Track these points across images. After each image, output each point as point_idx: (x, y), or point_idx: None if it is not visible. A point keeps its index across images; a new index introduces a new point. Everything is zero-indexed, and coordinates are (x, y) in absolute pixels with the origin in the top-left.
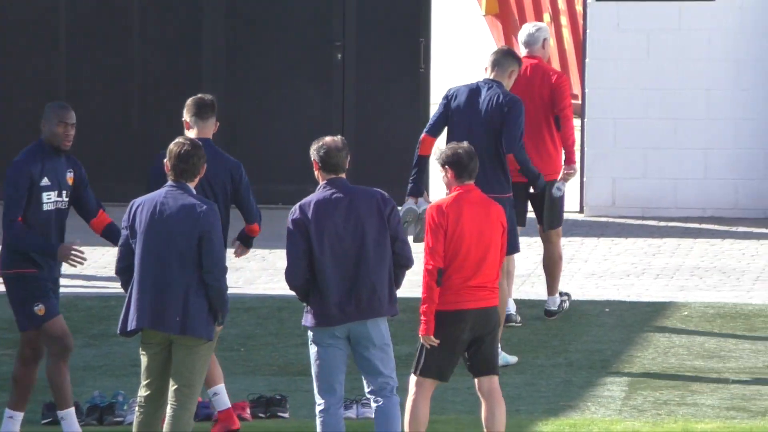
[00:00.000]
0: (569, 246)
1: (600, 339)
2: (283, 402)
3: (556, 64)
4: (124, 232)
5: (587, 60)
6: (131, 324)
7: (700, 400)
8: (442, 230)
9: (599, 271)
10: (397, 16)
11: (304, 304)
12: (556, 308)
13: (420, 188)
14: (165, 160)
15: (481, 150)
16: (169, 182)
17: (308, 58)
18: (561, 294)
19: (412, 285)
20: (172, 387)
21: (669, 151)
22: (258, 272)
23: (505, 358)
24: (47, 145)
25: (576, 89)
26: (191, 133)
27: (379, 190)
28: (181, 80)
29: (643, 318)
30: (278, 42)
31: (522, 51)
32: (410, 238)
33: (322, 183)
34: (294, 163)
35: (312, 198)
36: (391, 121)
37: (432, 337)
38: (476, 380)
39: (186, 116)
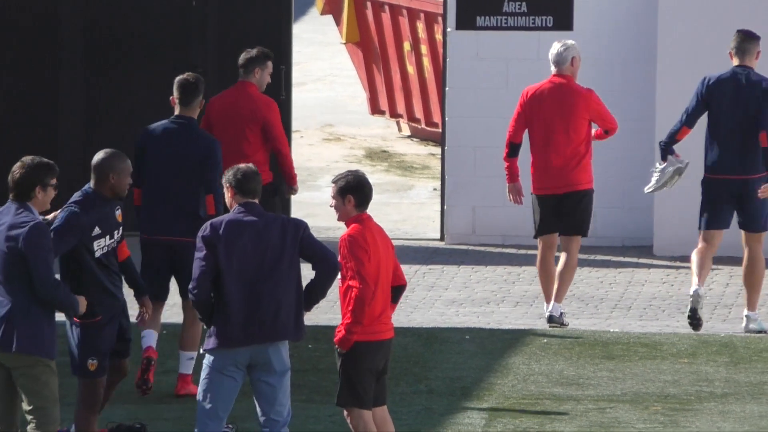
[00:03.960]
0: (430, 274)
1: (460, 366)
2: (142, 431)
3: (416, 93)
4: None
5: (447, 88)
6: None
7: (559, 427)
8: (367, 254)
9: (459, 298)
10: (257, 42)
11: (206, 328)
12: (558, 315)
13: (672, 149)
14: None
15: (742, 132)
16: (9, 199)
17: (168, 82)
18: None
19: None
20: (25, 411)
21: (527, 179)
22: None
23: (761, 324)
24: (101, 195)
25: (436, 118)
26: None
27: (293, 217)
28: (37, 104)
29: (503, 345)
30: (138, 67)
31: (552, 69)
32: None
33: (235, 206)
34: None
35: (224, 218)
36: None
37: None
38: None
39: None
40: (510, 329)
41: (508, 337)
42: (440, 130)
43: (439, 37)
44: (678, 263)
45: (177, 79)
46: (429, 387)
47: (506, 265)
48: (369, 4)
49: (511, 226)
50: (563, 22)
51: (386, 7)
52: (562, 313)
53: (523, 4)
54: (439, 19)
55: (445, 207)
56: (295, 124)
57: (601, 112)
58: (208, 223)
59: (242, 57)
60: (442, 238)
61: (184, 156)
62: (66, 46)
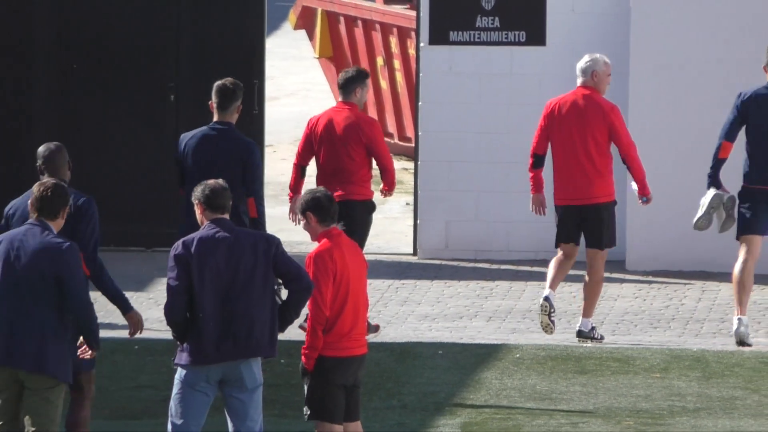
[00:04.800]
0: (402, 288)
1: (433, 381)
2: None
3: (389, 107)
4: None
5: (420, 103)
6: None
7: None
8: (332, 276)
9: (432, 313)
10: (230, 57)
11: (178, 343)
12: (587, 330)
13: (720, 181)
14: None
15: None
16: (31, 220)
17: (141, 98)
18: (594, 328)
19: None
20: None
21: (501, 194)
22: None
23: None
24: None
25: (409, 132)
26: (214, 116)
27: (265, 233)
28: (10, 122)
29: (476, 360)
30: (111, 83)
31: (577, 82)
32: (715, 226)
33: (206, 223)
34: (126, 205)
35: (196, 235)
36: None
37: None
38: (342, 426)
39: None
40: (483, 344)
41: (481, 352)
42: (413, 145)
43: (412, 51)
44: (650, 278)
45: (216, 84)
46: (402, 402)
47: (479, 279)
48: (342, 18)
49: (483, 241)
50: (536, 37)
51: (359, 22)
52: (593, 328)
53: (496, 19)
54: (412, 33)
55: (418, 222)
56: (268, 138)
57: (617, 130)
58: (179, 241)
59: (341, 77)
60: (414, 253)
61: (224, 160)
62: (39, 62)
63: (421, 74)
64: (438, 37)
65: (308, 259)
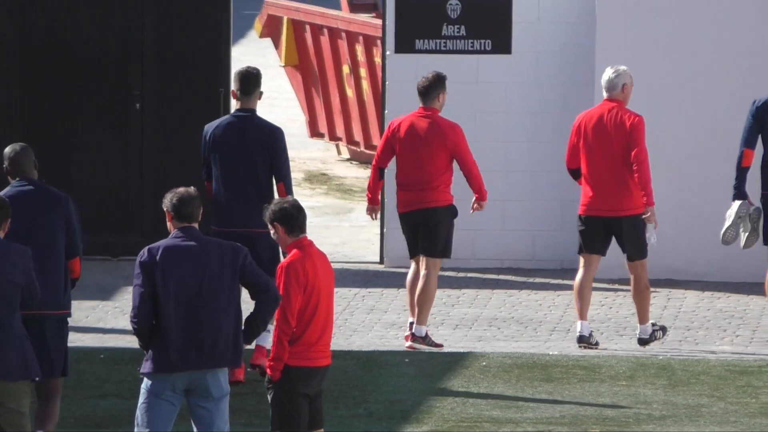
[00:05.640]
0: (369, 297)
1: (400, 389)
2: None
3: (355, 115)
4: None
5: (386, 111)
6: None
7: None
8: (302, 287)
9: (399, 321)
10: (196, 65)
11: (145, 352)
12: (647, 336)
13: (745, 192)
14: None
15: None
16: None
17: (106, 107)
18: (654, 325)
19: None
20: None
21: (467, 202)
22: None
23: None
24: None
25: (375, 140)
26: (237, 104)
27: (231, 242)
28: None
29: (442, 368)
30: (76, 91)
31: (603, 95)
32: (741, 242)
33: (174, 231)
34: (91, 214)
35: (162, 243)
36: (191, 170)
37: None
38: None
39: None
40: (449, 352)
41: (447, 360)
42: None
43: (377, 60)
44: (616, 286)
45: (236, 71)
46: (368, 410)
47: (445, 288)
48: (308, 27)
49: None
50: (502, 45)
51: (325, 31)
52: (654, 330)
53: (462, 27)
54: (378, 42)
55: (385, 230)
56: None
57: (632, 138)
58: (145, 248)
59: (422, 84)
60: (381, 261)
61: (250, 147)
62: (2, 71)
63: (386, 82)
64: (404, 45)
65: (279, 269)
